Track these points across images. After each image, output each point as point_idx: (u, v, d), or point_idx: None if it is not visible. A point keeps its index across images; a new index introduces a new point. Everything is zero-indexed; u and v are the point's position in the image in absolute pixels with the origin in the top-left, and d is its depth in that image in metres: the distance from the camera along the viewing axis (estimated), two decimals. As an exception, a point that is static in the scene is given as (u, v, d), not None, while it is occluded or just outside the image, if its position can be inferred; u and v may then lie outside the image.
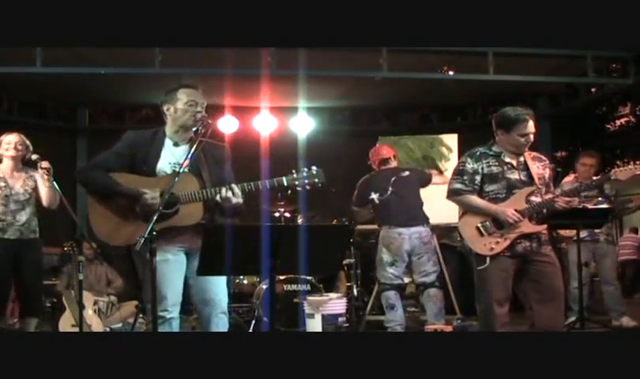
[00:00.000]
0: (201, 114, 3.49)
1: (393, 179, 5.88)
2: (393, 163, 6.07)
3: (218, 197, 3.35)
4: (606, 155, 11.06)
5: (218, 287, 3.50)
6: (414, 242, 5.72)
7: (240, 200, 3.36)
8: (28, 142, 5.13)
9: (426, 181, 6.14)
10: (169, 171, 3.45)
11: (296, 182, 3.39)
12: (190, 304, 3.82)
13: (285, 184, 3.39)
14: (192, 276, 3.45)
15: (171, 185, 3.26)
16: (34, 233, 5.17)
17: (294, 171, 3.42)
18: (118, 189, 3.42)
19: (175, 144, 3.53)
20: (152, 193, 3.35)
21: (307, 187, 3.41)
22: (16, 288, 5.29)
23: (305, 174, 3.40)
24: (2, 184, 5.03)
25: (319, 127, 8.64)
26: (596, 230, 5.96)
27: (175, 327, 3.47)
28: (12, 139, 5.07)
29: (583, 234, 5.91)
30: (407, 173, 6.01)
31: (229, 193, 3.35)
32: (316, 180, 3.40)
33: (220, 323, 3.49)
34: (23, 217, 5.07)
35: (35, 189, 5.13)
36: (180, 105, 3.50)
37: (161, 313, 3.35)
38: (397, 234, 5.73)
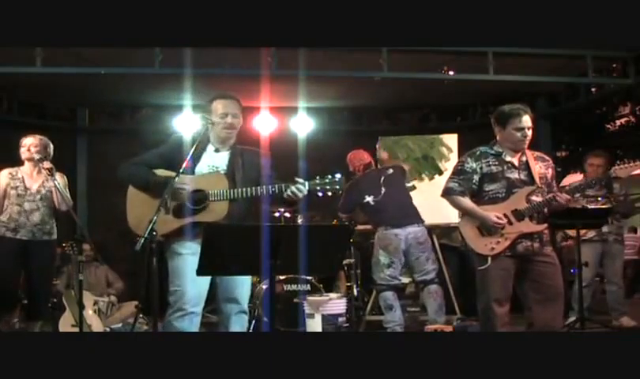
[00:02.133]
0: (230, 124, 3.65)
1: (382, 179, 5.92)
2: (373, 166, 6.14)
3: (285, 195, 3.45)
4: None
5: (242, 286, 3.64)
6: (409, 242, 5.73)
7: (305, 191, 3.45)
8: (46, 143, 5.17)
9: (404, 173, 6.32)
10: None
11: (317, 188, 3.43)
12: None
13: (307, 189, 3.43)
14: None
15: (171, 185, 3.40)
16: (48, 234, 5.19)
17: (317, 177, 3.45)
18: (151, 179, 3.57)
19: (217, 150, 3.70)
20: (181, 181, 3.49)
21: (329, 194, 3.44)
22: (23, 288, 5.32)
23: (327, 180, 3.43)
24: (19, 184, 5.08)
25: (319, 127, 8.63)
26: (604, 230, 5.94)
27: (196, 323, 3.54)
28: (27, 142, 5.17)
29: (591, 233, 5.91)
30: (391, 170, 6.07)
31: (294, 189, 3.43)
32: (337, 187, 3.43)
33: (241, 321, 3.62)
34: (36, 218, 5.10)
35: (53, 191, 5.15)
36: (214, 117, 3.66)
37: (182, 306, 3.47)
38: (393, 236, 5.73)
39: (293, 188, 3.42)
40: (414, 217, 5.85)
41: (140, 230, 3.54)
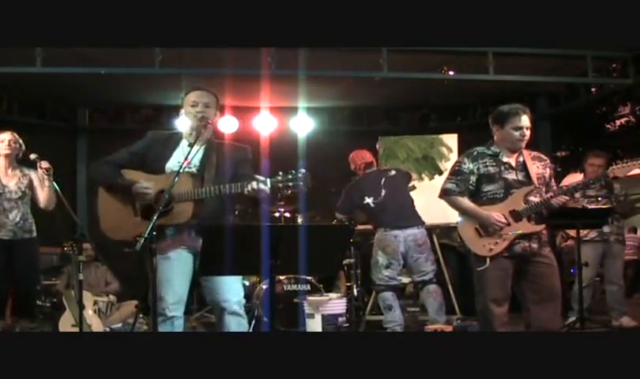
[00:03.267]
0: (202, 114, 3.53)
1: (383, 180, 5.91)
2: (375, 167, 6.13)
3: (245, 191, 3.30)
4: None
5: (228, 287, 3.51)
6: (409, 244, 5.74)
7: (266, 188, 3.26)
8: (20, 140, 5.12)
9: (409, 179, 6.25)
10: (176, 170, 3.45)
11: (280, 185, 3.25)
12: (191, 304, 3.83)
13: (268, 186, 3.25)
14: (204, 278, 3.50)
15: (171, 184, 3.28)
16: (29, 232, 5.12)
17: (280, 173, 3.28)
18: (117, 181, 3.51)
19: (190, 145, 3.51)
20: (145, 183, 3.43)
21: (295, 190, 3.27)
22: (11, 288, 5.27)
23: (290, 176, 3.25)
24: None
25: (319, 127, 8.64)
26: (606, 230, 5.94)
27: (178, 326, 3.47)
28: (4, 137, 5.07)
29: (592, 234, 5.91)
30: (393, 172, 6.06)
31: (254, 185, 3.28)
32: (301, 183, 3.24)
33: (231, 324, 3.50)
34: (16, 216, 5.02)
35: (31, 187, 5.11)
36: (186, 107, 3.59)
37: (162, 311, 3.38)
38: (393, 237, 5.74)
39: (254, 184, 3.26)
40: (414, 219, 5.85)
41: (113, 234, 3.53)
